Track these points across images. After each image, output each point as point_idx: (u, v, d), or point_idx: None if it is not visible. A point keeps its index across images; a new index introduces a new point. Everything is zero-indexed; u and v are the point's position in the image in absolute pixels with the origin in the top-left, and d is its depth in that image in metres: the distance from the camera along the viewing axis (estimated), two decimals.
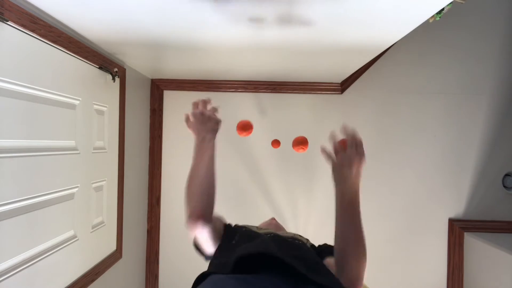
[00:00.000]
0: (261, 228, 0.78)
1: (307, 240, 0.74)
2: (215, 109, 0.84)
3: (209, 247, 0.69)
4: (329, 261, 0.66)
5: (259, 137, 1.88)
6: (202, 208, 0.67)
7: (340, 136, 0.69)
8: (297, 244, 0.65)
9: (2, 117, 0.80)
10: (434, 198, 1.88)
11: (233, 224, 0.79)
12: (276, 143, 1.33)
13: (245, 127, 1.06)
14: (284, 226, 0.96)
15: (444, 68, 1.87)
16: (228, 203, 1.88)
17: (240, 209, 1.86)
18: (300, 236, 0.75)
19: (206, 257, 0.71)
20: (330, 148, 0.69)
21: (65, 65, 1.05)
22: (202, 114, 0.79)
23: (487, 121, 1.87)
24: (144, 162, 1.84)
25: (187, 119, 0.81)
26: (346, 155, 0.65)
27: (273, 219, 0.96)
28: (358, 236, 0.63)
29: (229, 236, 0.69)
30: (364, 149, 0.66)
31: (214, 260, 0.63)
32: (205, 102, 0.84)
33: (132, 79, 1.58)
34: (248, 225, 0.78)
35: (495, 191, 1.88)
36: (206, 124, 0.77)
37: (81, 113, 1.14)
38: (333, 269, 0.63)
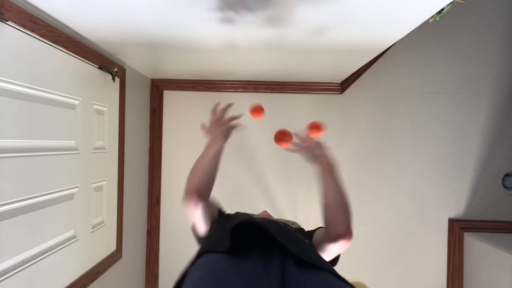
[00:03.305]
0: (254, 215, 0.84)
1: (296, 223, 0.83)
2: (232, 118, 0.90)
3: (202, 226, 0.73)
4: (320, 231, 0.76)
5: (259, 137, 1.88)
6: (200, 185, 0.72)
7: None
8: (289, 228, 0.71)
9: (2, 117, 0.80)
10: (434, 198, 1.88)
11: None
12: (257, 111, 1.17)
13: (258, 110, 1.10)
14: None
15: (444, 68, 1.87)
16: (227, 202, 1.88)
17: (240, 208, 1.86)
18: (292, 222, 0.82)
19: (199, 239, 0.76)
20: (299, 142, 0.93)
21: (65, 65, 1.05)
22: (217, 121, 0.88)
23: (487, 121, 1.87)
24: (144, 162, 1.84)
25: (203, 127, 0.89)
26: (311, 149, 0.88)
27: (265, 211, 0.98)
28: (342, 192, 0.73)
29: (222, 220, 0.74)
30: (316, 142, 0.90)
31: (208, 239, 0.67)
32: (224, 111, 0.91)
33: (132, 79, 1.58)
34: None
35: (495, 191, 1.88)
36: (220, 129, 0.84)
37: (81, 113, 1.14)
38: (322, 238, 0.71)
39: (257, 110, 1.08)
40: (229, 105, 0.93)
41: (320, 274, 0.47)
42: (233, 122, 0.88)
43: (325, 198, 0.74)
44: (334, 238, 0.68)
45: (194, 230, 0.77)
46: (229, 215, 0.80)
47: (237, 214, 0.78)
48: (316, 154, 0.84)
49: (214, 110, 0.92)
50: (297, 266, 0.48)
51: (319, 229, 0.77)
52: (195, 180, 0.72)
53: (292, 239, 0.58)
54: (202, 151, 0.82)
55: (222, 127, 0.85)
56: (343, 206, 0.71)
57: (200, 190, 0.71)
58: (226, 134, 0.84)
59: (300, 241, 0.62)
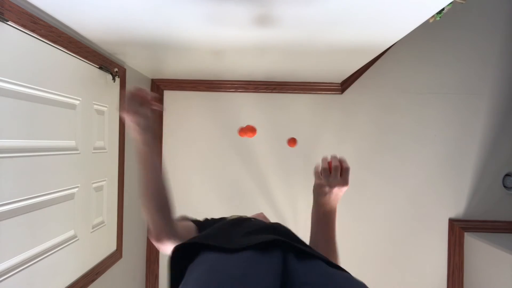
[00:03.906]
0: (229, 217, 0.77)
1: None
2: (153, 97, 0.67)
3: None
4: None
5: (259, 137, 1.88)
6: (160, 226, 0.62)
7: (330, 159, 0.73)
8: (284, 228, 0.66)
9: (2, 117, 0.80)
10: (434, 198, 1.88)
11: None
12: (292, 142, 1.35)
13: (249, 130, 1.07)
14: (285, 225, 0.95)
15: (444, 68, 1.87)
16: (227, 203, 1.88)
17: (239, 209, 1.86)
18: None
19: None
20: (320, 167, 0.72)
21: (65, 65, 1.05)
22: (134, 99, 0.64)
23: (487, 121, 1.87)
24: None
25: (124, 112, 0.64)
26: (330, 177, 0.69)
27: (261, 213, 0.96)
28: (331, 248, 0.66)
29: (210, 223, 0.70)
30: (349, 177, 0.70)
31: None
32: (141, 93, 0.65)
33: (132, 79, 1.58)
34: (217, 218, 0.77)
35: (495, 191, 1.88)
36: (137, 114, 0.63)
37: (81, 113, 1.14)
38: None
39: (248, 130, 1.05)
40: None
41: (315, 261, 0.47)
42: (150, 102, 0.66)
43: (315, 242, 0.68)
44: None
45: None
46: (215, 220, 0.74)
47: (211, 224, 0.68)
48: (333, 190, 0.69)
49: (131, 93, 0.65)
50: (297, 258, 0.48)
51: None
52: (153, 223, 0.62)
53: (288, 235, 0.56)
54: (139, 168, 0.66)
55: (139, 111, 0.64)
56: (333, 255, 0.65)
57: (164, 232, 0.61)
58: (145, 123, 0.64)
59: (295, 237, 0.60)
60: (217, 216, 0.80)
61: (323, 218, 0.69)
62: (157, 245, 0.62)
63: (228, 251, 0.49)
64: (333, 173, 0.70)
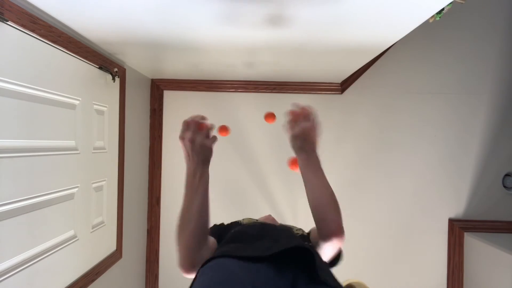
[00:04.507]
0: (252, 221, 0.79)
1: (300, 230, 0.78)
2: (209, 128, 0.71)
3: None
4: (313, 230, 0.72)
5: (259, 137, 1.88)
6: (194, 259, 0.61)
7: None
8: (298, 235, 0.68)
9: (2, 117, 0.80)
10: (434, 198, 1.88)
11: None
12: (270, 117, 1.23)
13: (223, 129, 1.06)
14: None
15: (444, 68, 1.87)
16: (227, 203, 1.88)
17: (239, 209, 1.86)
18: (297, 229, 0.78)
19: None
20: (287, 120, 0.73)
21: (65, 65, 1.05)
22: (192, 140, 0.66)
23: (487, 121, 1.87)
24: (144, 162, 1.84)
25: (181, 137, 0.67)
26: (298, 126, 0.69)
27: (269, 215, 0.96)
28: (328, 190, 0.67)
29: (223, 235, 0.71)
30: (316, 118, 0.72)
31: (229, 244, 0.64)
32: (199, 123, 0.69)
33: (132, 79, 1.58)
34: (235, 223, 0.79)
35: (495, 191, 1.88)
36: (197, 151, 0.66)
37: (81, 113, 1.14)
38: (316, 238, 0.68)
39: (269, 116, 1.07)
40: (204, 118, 0.70)
41: None
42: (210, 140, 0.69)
43: (312, 195, 0.68)
44: (326, 237, 0.65)
45: None
46: (226, 232, 0.72)
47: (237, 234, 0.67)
48: (305, 134, 0.69)
49: (187, 123, 0.68)
50: (308, 281, 0.48)
51: (313, 229, 0.74)
52: (187, 254, 0.61)
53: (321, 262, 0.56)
54: (184, 197, 0.64)
55: (200, 150, 0.67)
56: (331, 203, 0.66)
57: (197, 264, 0.58)
58: (206, 159, 0.68)
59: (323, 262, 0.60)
60: (223, 220, 0.82)
61: (313, 168, 0.68)
62: (186, 274, 0.62)
63: (240, 258, 0.49)
64: (301, 121, 0.70)
